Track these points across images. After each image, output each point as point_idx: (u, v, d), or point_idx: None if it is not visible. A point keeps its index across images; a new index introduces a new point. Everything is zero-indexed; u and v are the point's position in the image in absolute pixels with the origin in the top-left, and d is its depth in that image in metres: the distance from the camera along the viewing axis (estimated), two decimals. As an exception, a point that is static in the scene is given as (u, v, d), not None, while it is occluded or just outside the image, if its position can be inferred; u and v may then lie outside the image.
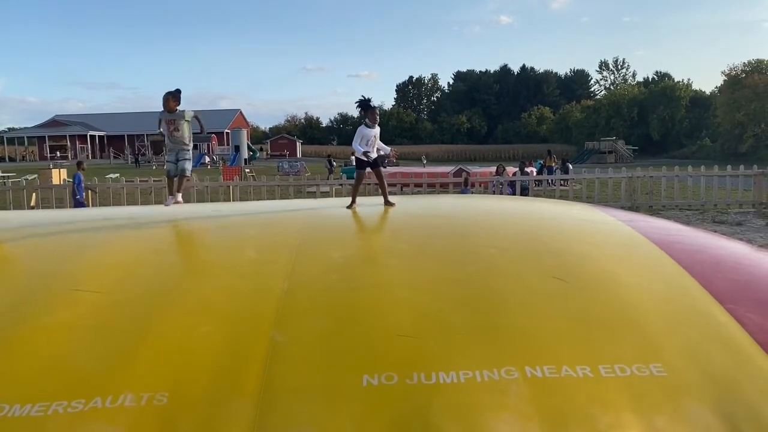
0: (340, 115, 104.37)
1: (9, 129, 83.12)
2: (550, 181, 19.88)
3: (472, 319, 2.43)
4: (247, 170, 32.37)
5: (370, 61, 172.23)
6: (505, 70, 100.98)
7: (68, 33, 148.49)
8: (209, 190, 17.04)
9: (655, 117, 74.38)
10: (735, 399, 2.01)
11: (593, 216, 4.42)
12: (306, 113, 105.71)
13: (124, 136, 70.70)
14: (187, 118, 5.77)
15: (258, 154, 58.89)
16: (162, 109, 5.85)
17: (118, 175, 28.68)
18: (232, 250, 3.44)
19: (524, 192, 17.81)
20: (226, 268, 3.08)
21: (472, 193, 16.62)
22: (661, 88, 77.40)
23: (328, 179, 23.33)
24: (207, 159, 51.34)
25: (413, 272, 2.96)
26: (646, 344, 2.27)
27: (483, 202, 6.28)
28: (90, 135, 70.20)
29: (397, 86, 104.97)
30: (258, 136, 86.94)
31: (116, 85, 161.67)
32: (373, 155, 5.03)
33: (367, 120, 5.00)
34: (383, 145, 5.23)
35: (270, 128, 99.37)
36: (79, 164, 15.56)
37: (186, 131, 5.78)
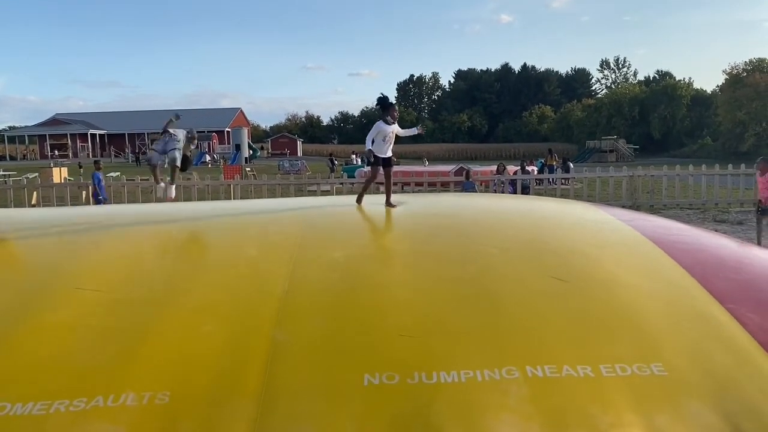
0: (341, 113, 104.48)
1: (10, 128, 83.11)
2: (551, 180, 19.88)
3: (472, 318, 2.44)
4: (247, 169, 32.36)
5: (370, 60, 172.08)
6: (506, 68, 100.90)
7: (69, 32, 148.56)
8: (210, 188, 17.05)
9: (656, 116, 74.30)
10: (735, 398, 2.01)
11: (594, 215, 4.42)
12: (307, 112, 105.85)
13: (124, 134, 70.64)
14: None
15: (259, 153, 58.91)
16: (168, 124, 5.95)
17: (119, 173, 28.68)
18: (233, 249, 3.44)
19: (525, 191, 17.80)
20: (227, 268, 3.08)
21: (476, 187, 16.62)
22: (662, 86, 77.30)
23: (329, 178, 23.34)
24: (208, 157, 51.35)
25: (414, 271, 2.96)
26: (647, 344, 2.27)
27: (484, 201, 6.28)
28: (91, 134, 70.15)
29: (397, 85, 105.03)
30: (259, 135, 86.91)
31: (117, 83, 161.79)
32: (388, 153, 5.01)
33: (387, 117, 4.93)
34: (407, 129, 5.21)
35: (271, 127, 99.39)
36: (96, 163, 15.65)
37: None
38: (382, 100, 4.96)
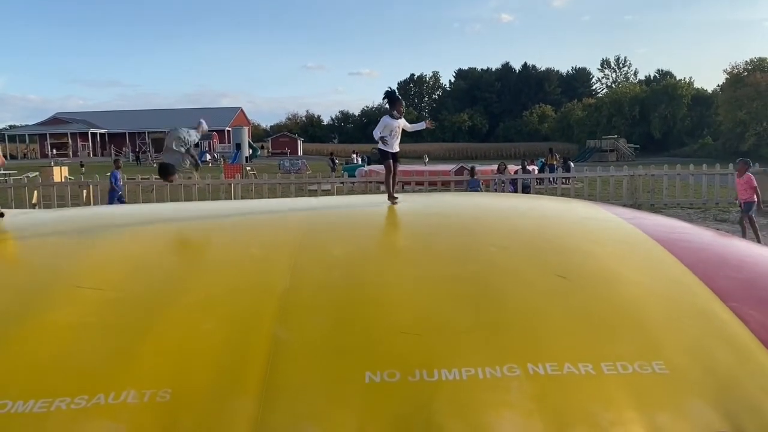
0: (341, 113, 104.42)
1: (10, 127, 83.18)
2: (551, 179, 19.87)
3: (474, 316, 2.43)
4: (248, 168, 32.33)
5: (370, 59, 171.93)
6: (506, 68, 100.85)
7: (69, 31, 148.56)
8: (211, 187, 17.05)
9: (657, 115, 74.27)
10: (737, 396, 2.01)
11: (596, 213, 4.41)
12: (307, 111, 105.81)
13: (125, 133, 70.64)
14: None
15: (259, 152, 58.89)
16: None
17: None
18: (235, 247, 3.44)
19: (526, 190, 17.79)
20: (228, 266, 3.08)
21: (480, 185, 16.62)
22: (663, 86, 77.26)
23: (330, 177, 23.35)
24: (208, 157, 51.35)
25: (415, 269, 2.96)
26: (648, 342, 2.27)
27: (485, 199, 6.28)
28: (91, 132, 70.18)
29: (398, 84, 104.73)
30: (259, 134, 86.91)
31: (117, 82, 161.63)
32: (396, 148, 5.04)
33: (394, 111, 5.00)
34: (414, 124, 5.22)
35: (271, 126, 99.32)
36: (116, 162, 15.65)
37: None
38: (390, 94, 5.01)
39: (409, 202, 4.85)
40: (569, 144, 72.28)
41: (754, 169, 17.04)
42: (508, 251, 3.19)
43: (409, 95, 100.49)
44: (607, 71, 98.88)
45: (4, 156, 13.99)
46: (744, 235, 10.56)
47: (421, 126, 5.33)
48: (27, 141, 71.35)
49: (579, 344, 2.24)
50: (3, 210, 4.21)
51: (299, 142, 75.81)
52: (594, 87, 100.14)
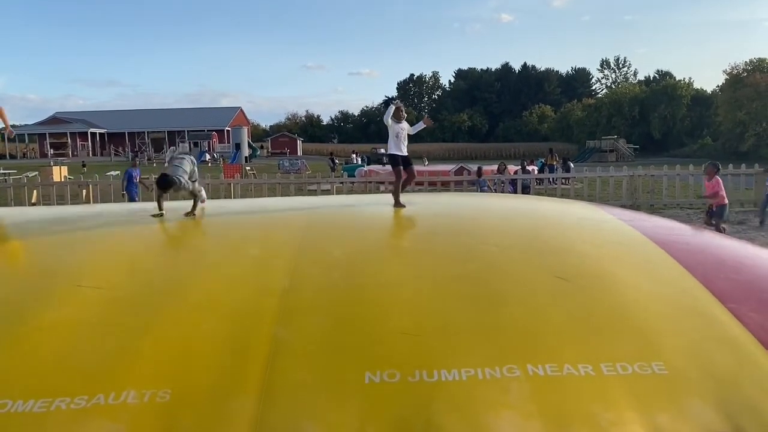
0: (341, 113, 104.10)
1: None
2: (551, 179, 19.86)
3: (474, 317, 2.44)
4: (247, 168, 32.32)
5: (370, 59, 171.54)
6: (506, 68, 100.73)
7: (69, 31, 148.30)
8: (210, 187, 17.04)
9: (657, 116, 74.20)
10: (736, 397, 2.01)
11: (595, 215, 4.42)
12: (307, 111, 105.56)
13: (124, 133, 70.61)
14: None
15: (258, 152, 58.87)
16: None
17: (119, 172, 28.67)
18: (235, 247, 3.44)
19: (525, 190, 17.77)
20: (228, 266, 3.08)
21: (488, 185, 16.58)
22: (663, 86, 77.19)
23: (330, 177, 23.33)
24: (207, 156, 51.34)
25: (415, 270, 2.96)
26: (648, 343, 2.27)
27: (484, 200, 6.28)
28: (91, 132, 70.17)
29: (398, 84, 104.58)
30: (258, 134, 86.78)
31: (117, 82, 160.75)
32: (404, 152, 5.12)
33: (392, 116, 5.14)
34: (416, 126, 5.31)
35: (270, 126, 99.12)
36: (134, 159, 15.68)
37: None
38: (386, 101, 5.12)
39: (408, 202, 4.85)
40: (569, 144, 72.23)
41: (753, 170, 17.05)
42: (508, 252, 3.19)
43: (409, 95, 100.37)
44: (606, 71, 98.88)
45: (3, 155, 13.96)
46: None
47: (420, 126, 5.36)
48: (26, 141, 71.30)
49: (578, 345, 2.24)
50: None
51: (299, 142, 75.74)
52: (594, 87, 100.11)
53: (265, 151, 68.88)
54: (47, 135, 68.01)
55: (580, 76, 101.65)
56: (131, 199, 14.17)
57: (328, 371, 2.11)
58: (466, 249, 3.24)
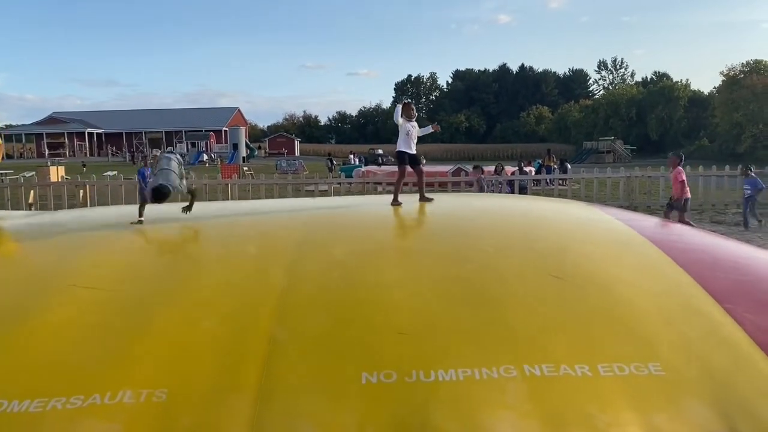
0: (339, 113, 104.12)
1: (7, 126, 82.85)
2: (548, 180, 19.88)
3: (471, 317, 2.43)
4: (245, 168, 32.31)
5: (369, 60, 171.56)
6: (503, 69, 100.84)
7: (67, 30, 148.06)
8: (207, 188, 17.02)
9: (654, 117, 74.34)
10: (732, 398, 2.01)
11: (592, 215, 4.42)
12: (304, 111, 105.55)
13: (122, 133, 70.58)
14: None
15: (256, 153, 58.83)
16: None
17: (116, 172, 28.63)
18: (232, 247, 3.44)
19: (523, 191, 17.78)
20: (225, 266, 3.08)
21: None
22: (660, 87, 77.35)
23: (328, 177, 23.31)
24: (205, 157, 51.29)
25: (413, 270, 2.96)
26: (645, 343, 2.27)
27: (481, 201, 6.28)
28: (88, 132, 70.10)
29: (395, 84, 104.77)
30: (256, 135, 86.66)
31: (115, 82, 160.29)
32: (413, 150, 5.15)
33: (403, 116, 5.14)
34: (425, 128, 5.33)
35: (268, 126, 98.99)
36: (145, 159, 15.61)
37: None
38: (397, 100, 5.18)
39: (406, 203, 4.85)
40: (566, 145, 72.30)
41: (754, 171, 17.08)
42: (505, 252, 3.19)
43: (407, 96, 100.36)
44: (604, 73, 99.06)
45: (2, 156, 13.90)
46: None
47: (428, 130, 5.41)
48: (24, 140, 71.15)
49: (575, 346, 2.24)
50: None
51: (296, 143, 75.73)
52: (591, 88, 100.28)
53: (263, 151, 68.84)
54: (44, 135, 67.92)
55: (578, 77, 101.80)
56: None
57: (325, 371, 2.11)
58: (463, 249, 3.24)
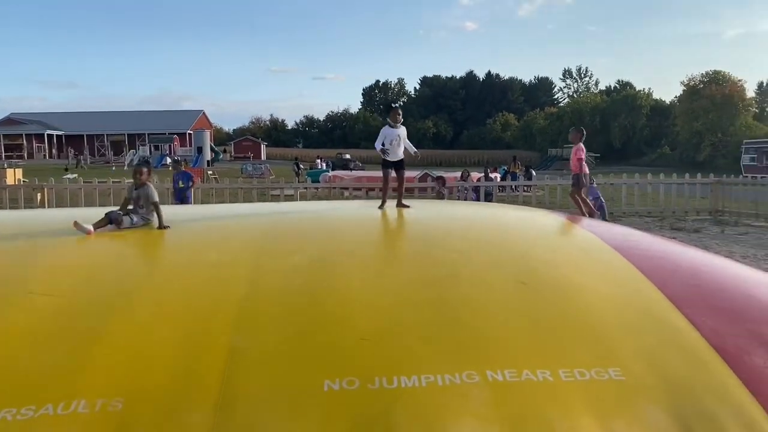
0: (306, 117, 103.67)
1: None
2: (513, 186, 20.11)
3: (433, 323, 2.43)
4: (209, 172, 31.92)
5: (336, 64, 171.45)
6: (470, 76, 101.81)
7: (25, 30, 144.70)
8: (169, 192, 16.78)
9: (617, 125, 75.85)
10: (690, 402, 2.04)
11: (555, 222, 4.47)
12: (271, 115, 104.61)
13: (83, 135, 69.12)
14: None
15: (221, 156, 58.27)
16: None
17: (76, 175, 28.04)
18: (192, 253, 3.38)
19: (488, 197, 17.95)
20: (184, 273, 3.02)
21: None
22: (623, 96, 78.98)
23: (297, 181, 23.14)
24: (168, 160, 50.62)
25: (375, 277, 2.95)
26: (605, 349, 2.30)
27: (447, 207, 6.31)
28: (47, 134, 68.55)
29: (363, 90, 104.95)
30: (221, 138, 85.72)
31: (75, 84, 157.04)
32: (398, 156, 5.17)
33: (389, 120, 5.18)
34: (411, 144, 5.32)
35: (234, 130, 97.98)
36: (176, 162, 15.18)
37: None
38: (385, 103, 5.17)
39: (371, 209, 4.84)
40: (532, 152, 73.26)
41: (708, 179, 17.51)
42: (469, 259, 3.20)
43: (375, 101, 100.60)
44: (568, 81, 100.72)
45: None
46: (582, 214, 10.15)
47: (412, 149, 5.40)
48: (-22, 142, 69.18)
49: (537, 351, 2.26)
50: None
51: (263, 147, 75.21)
52: (556, 96, 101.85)
53: (228, 155, 68.19)
54: (1, 136, 66.07)
55: (543, 85, 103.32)
56: (185, 201, 13.22)
57: (286, 379, 2.08)
58: (427, 255, 3.24)
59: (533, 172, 25.47)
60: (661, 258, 3.51)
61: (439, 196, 14.69)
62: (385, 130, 5.18)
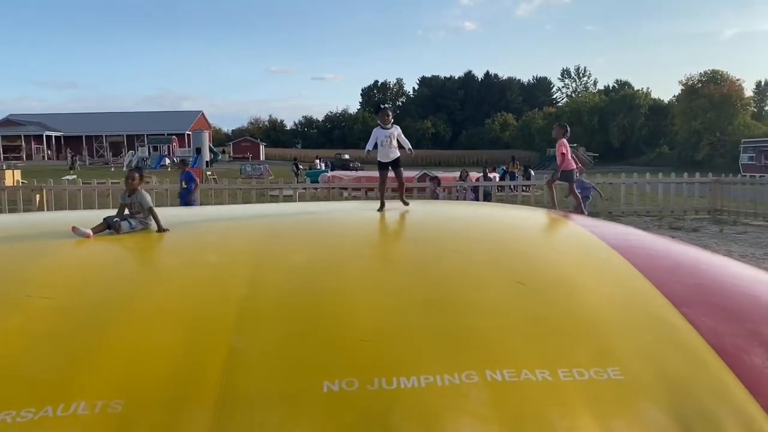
0: (305, 117, 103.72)
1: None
2: (512, 186, 20.13)
3: (433, 323, 2.43)
4: (208, 173, 31.92)
5: (335, 64, 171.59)
6: (469, 76, 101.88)
7: (24, 31, 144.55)
8: (169, 192, 16.77)
9: (615, 124, 75.89)
10: (689, 402, 2.04)
11: (554, 222, 4.48)
12: (270, 116, 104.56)
13: (82, 137, 69.13)
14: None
15: (220, 157, 58.27)
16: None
17: (75, 176, 28.02)
18: (192, 254, 3.38)
19: (487, 197, 17.95)
20: (185, 274, 3.02)
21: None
22: (621, 96, 79.05)
23: (296, 182, 23.11)
24: (167, 161, 50.60)
25: (375, 277, 2.95)
26: (604, 348, 2.30)
27: (446, 207, 6.31)
28: (46, 135, 68.55)
29: (362, 90, 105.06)
30: (220, 139, 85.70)
31: (74, 84, 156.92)
32: (392, 156, 5.19)
33: (379, 122, 5.22)
34: (406, 141, 5.35)
35: (233, 130, 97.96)
36: (183, 162, 15.07)
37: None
38: (375, 105, 5.25)
39: (370, 209, 4.84)
40: (530, 152, 73.23)
41: (707, 178, 17.52)
42: (468, 259, 3.20)
43: (374, 101, 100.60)
44: (567, 81, 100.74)
45: None
46: (575, 210, 10.14)
47: (407, 146, 5.40)
48: (-23, 143, 69.10)
49: (536, 351, 2.26)
50: None
51: (261, 147, 75.21)
52: (554, 96, 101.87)
53: (227, 155, 68.18)
54: (0, 138, 66.02)
55: (542, 85, 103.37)
56: (190, 202, 12.98)
57: (286, 380, 2.08)
58: (427, 255, 3.24)
59: (532, 172, 25.48)
60: (660, 257, 3.51)
61: (434, 196, 14.72)
62: (376, 131, 5.22)
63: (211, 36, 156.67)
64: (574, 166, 9.96)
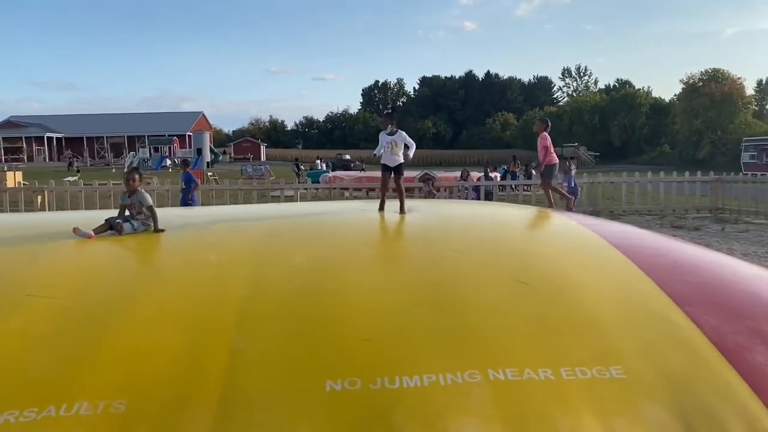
0: (306, 118, 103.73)
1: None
2: (513, 186, 20.12)
3: (435, 322, 2.43)
4: (209, 174, 31.95)
5: (335, 65, 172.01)
6: (469, 76, 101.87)
7: (24, 32, 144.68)
8: (170, 193, 16.78)
9: (616, 124, 75.89)
10: (691, 400, 2.04)
11: (556, 221, 4.47)
12: (271, 116, 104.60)
13: (83, 138, 69.25)
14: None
15: (221, 157, 58.30)
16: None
17: (76, 178, 28.04)
18: (193, 255, 3.38)
19: (488, 197, 17.96)
20: (186, 274, 3.02)
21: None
22: (622, 95, 79.06)
23: (297, 182, 23.11)
24: (168, 162, 50.64)
25: (377, 276, 2.95)
26: (607, 347, 2.30)
27: (447, 206, 6.31)
28: (47, 137, 68.65)
29: (362, 90, 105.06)
30: (221, 139, 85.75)
31: (75, 86, 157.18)
32: (394, 162, 5.30)
33: (382, 127, 5.40)
34: (411, 142, 5.41)
35: (233, 131, 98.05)
36: (184, 163, 15.01)
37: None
38: (380, 112, 5.34)
39: (371, 209, 4.85)
40: (531, 152, 73.05)
41: (708, 177, 17.51)
42: (470, 258, 3.20)
43: (374, 102, 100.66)
44: (568, 80, 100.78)
45: None
46: (550, 205, 10.22)
47: (411, 152, 5.45)
48: (-22, 145, 69.16)
49: (539, 350, 2.26)
50: None
51: (262, 148, 75.23)
52: (555, 95, 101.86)
53: (228, 156, 68.22)
54: (1, 139, 66.09)
55: (542, 84, 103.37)
56: (189, 202, 12.90)
57: (288, 380, 2.08)
58: (429, 255, 3.24)
59: (533, 172, 25.44)
60: (662, 255, 3.51)
61: (429, 195, 14.77)
62: (381, 136, 5.38)
63: (212, 36, 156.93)
64: (557, 161, 10.01)
